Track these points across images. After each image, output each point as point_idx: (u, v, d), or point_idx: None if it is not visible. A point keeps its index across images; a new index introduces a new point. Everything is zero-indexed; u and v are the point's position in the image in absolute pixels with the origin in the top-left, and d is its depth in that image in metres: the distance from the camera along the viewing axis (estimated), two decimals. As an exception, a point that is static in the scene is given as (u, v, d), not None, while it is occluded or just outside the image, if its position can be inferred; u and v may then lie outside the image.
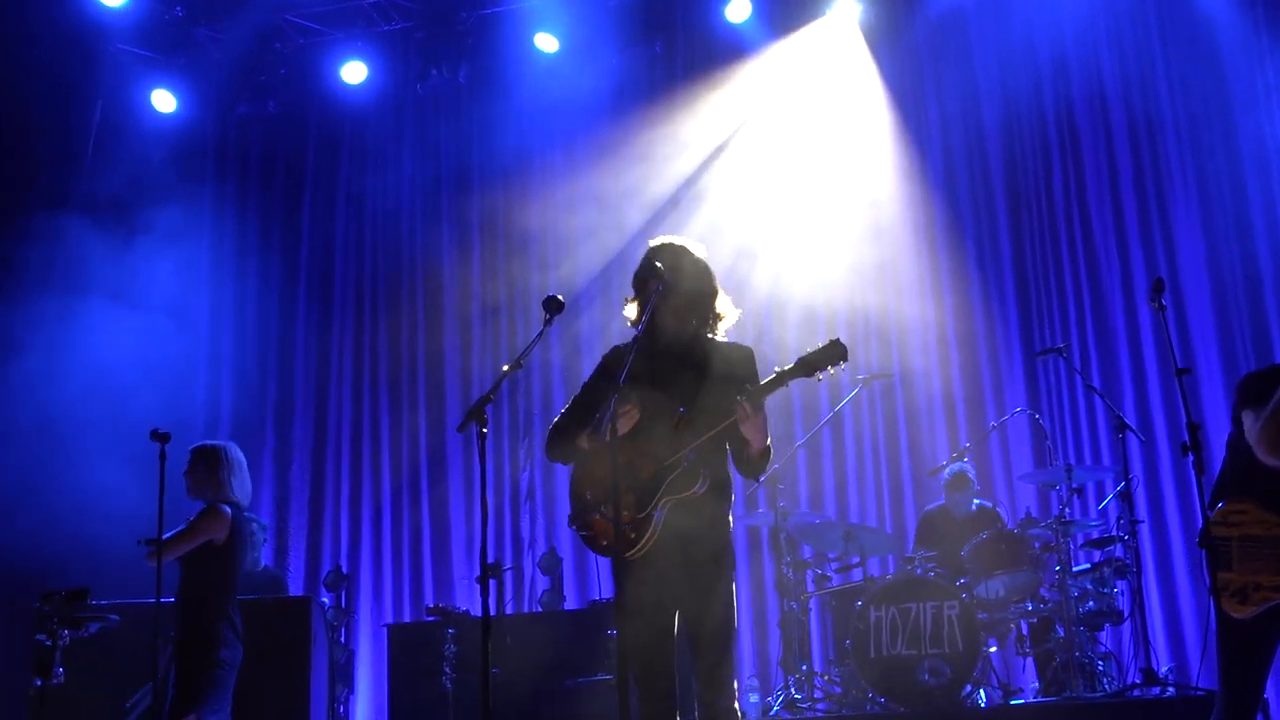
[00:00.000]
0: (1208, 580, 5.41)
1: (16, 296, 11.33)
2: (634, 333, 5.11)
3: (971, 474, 9.62)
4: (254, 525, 10.74)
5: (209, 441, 7.45)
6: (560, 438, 5.35)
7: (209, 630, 7.02)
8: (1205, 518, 5.44)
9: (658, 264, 5.14)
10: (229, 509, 7.20)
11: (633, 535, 4.98)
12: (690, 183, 11.99)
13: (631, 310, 5.31)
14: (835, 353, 4.94)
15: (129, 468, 7.67)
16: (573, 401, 5.41)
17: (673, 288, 5.14)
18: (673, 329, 5.22)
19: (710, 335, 5.32)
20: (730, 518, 5.26)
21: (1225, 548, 5.38)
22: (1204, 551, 5.45)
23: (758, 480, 5.19)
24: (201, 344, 12.63)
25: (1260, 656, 5.38)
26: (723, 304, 5.34)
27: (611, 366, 5.32)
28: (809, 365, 4.95)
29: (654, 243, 5.38)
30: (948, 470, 9.60)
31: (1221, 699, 5.40)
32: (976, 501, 9.67)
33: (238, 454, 7.45)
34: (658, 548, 5.01)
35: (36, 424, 10.98)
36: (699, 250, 5.35)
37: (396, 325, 12.78)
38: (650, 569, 5.01)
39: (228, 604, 7.13)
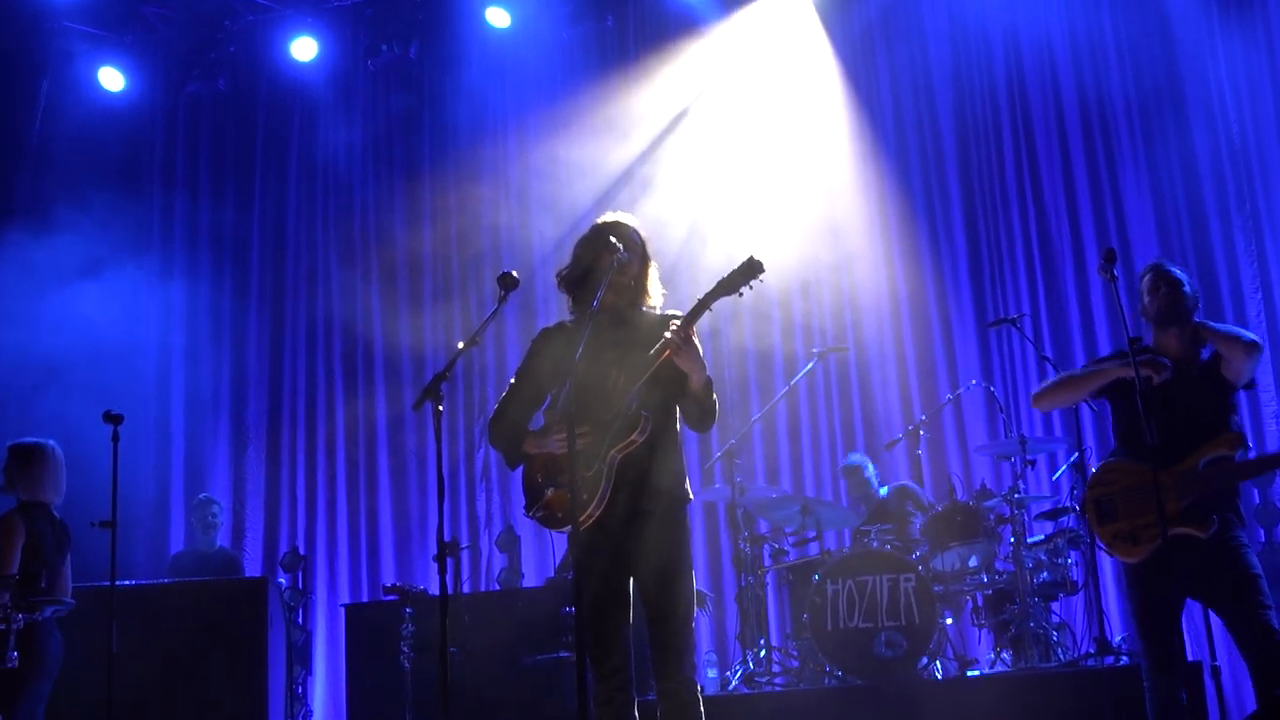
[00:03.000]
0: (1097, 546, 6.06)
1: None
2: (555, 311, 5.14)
3: (860, 462, 9.79)
4: (215, 508, 10.73)
5: (26, 439, 7.34)
6: (501, 427, 5.36)
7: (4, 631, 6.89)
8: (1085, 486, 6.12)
9: (612, 238, 5.16)
10: (18, 512, 7.11)
11: (584, 496, 4.97)
12: (643, 157, 11.95)
13: (571, 284, 5.35)
14: (751, 268, 5.03)
15: (79, 449, 7.61)
16: (509, 390, 5.41)
17: (625, 264, 5.17)
18: (615, 303, 5.24)
19: (645, 308, 5.36)
20: (686, 484, 5.26)
21: (1109, 503, 5.98)
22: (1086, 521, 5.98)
23: (711, 424, 5.21)
24: (152, 324, 12.48)
25: (1166, 597, 5.82)
26: (655, 280, 5.41)
27: (545, 349, 5.36)
28: (727, 286, 5.04)
29: (603, 219, 5.41)
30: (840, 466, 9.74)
31: (1145, 654, 5.88)
32: (885, 488, 9.72)
33: (57, 452, 7.36)
34: (610, 512, 5.02)
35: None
36: (641, 228, 5.42)
37: (350, 303, 12.69)
38: (604, 536, 5.03)
39: (23, 601, 6.89)
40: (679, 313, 5.26)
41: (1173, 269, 6.15)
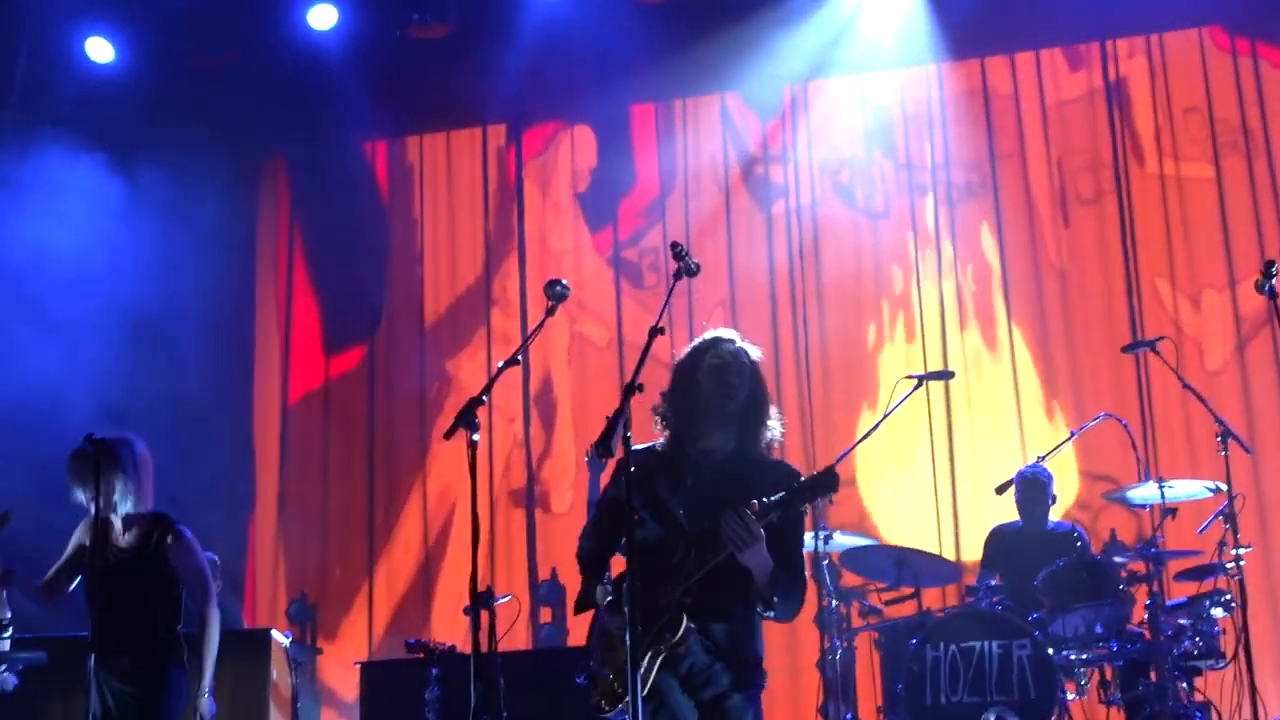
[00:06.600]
0: None
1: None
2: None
3: (1046, 477, 9.57)
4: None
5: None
6: (581, 564, 5.29)
7: None
8: None
9: (715, 362, 5.06)
10: None
11: (619, 689, 4.86)
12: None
13: (666, 412, 5.20)
14: (826, 482, 4.84)
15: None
16: (589, 521, 5.38)
17: (731, 392, 5.05)
18: (718, 440, 5.12)
19: (752, 449, 5.19)
20: (759, 658, 5.09)
21: None
22: None
23: (795, 609, 5.01)
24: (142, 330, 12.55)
25: None
26: (773, 415, 5.22)
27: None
28: (801, 498, 4.86)
29: (705, 336, 5.23)
30: (1028, 468, 9.55)
31: None
32: (1054, 520, 9.61)
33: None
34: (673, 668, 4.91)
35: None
36: (755, 351, 5.22)
37: (376, 310, 12.99)
38: (669, 674, 4.90)
39: None
40: (792, 467, 5.13)
41: None
